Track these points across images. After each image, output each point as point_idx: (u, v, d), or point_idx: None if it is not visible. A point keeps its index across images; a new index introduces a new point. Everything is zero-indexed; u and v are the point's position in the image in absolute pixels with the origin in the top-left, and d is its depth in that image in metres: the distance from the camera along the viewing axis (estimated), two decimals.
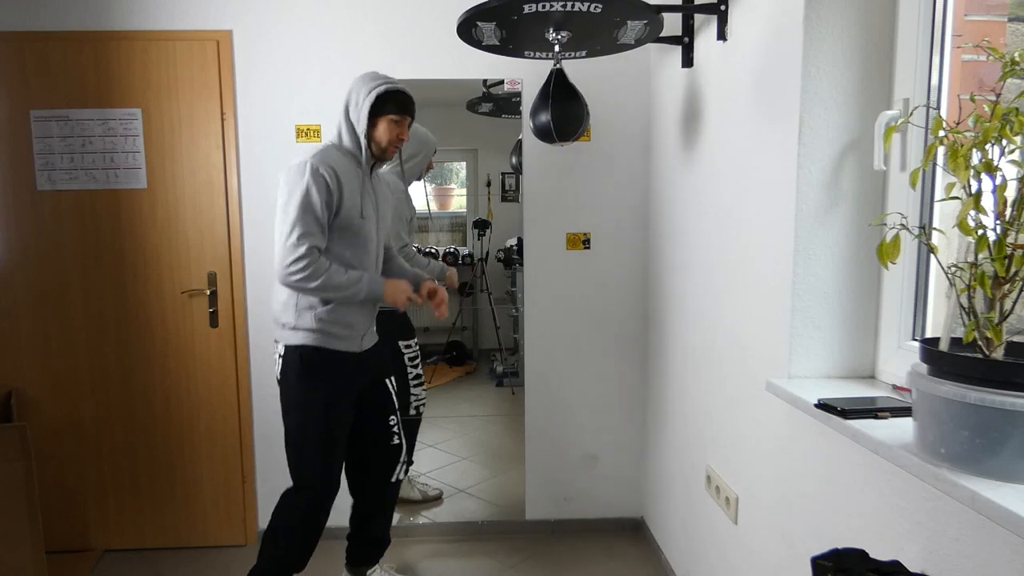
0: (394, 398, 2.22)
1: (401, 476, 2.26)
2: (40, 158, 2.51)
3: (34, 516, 2.23)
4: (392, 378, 2.23)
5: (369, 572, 2.36)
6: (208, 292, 2.61)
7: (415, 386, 2.71)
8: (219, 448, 2.67)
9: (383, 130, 1.98)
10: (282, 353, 2.00)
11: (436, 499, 2.90)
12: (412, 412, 2.70)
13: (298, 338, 1.97)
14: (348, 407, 2.08)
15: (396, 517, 2.82)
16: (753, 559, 1.76)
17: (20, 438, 2.24)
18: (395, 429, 2.20)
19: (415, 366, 2.72)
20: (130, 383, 2.62)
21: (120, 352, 2.61)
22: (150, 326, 2.60)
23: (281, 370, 2.02)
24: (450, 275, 2.59)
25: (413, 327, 2.75)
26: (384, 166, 2.20)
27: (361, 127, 1.95)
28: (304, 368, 1.97)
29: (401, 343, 2.68)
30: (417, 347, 2.74)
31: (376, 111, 1.95)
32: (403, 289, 2.03)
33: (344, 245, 1.96)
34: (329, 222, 1.92)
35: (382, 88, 1.94)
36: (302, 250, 1.84)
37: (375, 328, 2.15)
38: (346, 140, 2.00)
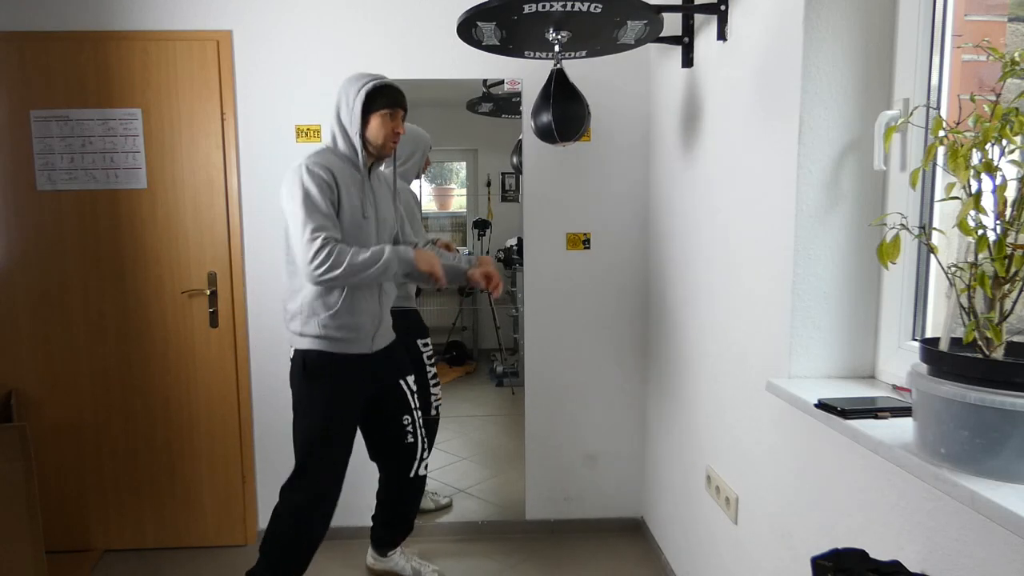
0: (409, 398, 2.23)
1: (422, 471, 2.28)
2: (40, 158, 2.51)
3: (34, 516, 2.23)
4: (409, 378, 2.24)
5: (390, 553, 2.42)
6: (208, 292, 2.61)
7: (434, 385, 2.71)
8: (219, 448, 2.67)
9: (377, 126, 1.98)
10: (291, 356, 2.06)
11: (447, 507, 2.95)
12: (432, 413, 2.70)
13: (304, 343, 2.01)
14: (354, 408, 2.10)
15: None
16: (753, 559, 1.76)
17: (20, 438, 2.23)
18: (409, 428, 2.22)
19: (432, 365, 2.71)
20: (130, 383, 2.62)
21: (120, 352, 2.60)
22: (150, 326, 2.60)
23: (290, 372, 2.07)
24: (483, 261, 2.29)
25: (426, 326, 2.75)
26: (384, 167, 2.20)
27: (354, 128, 1.96)
28: (307, 371, 2.00)
29: (419, 341, 2.66)
30: (431, 346, 2.74)
31: (367, 108, 1.95)
32: (435, 260, 1.99)
33: None
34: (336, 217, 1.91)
35: (371, 85, 1.94)
36: (318, 243, 1.83)
37: (390, 327, 2.16)
38: (340, 144, 2.00)
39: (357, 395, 2.10)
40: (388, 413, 2.20)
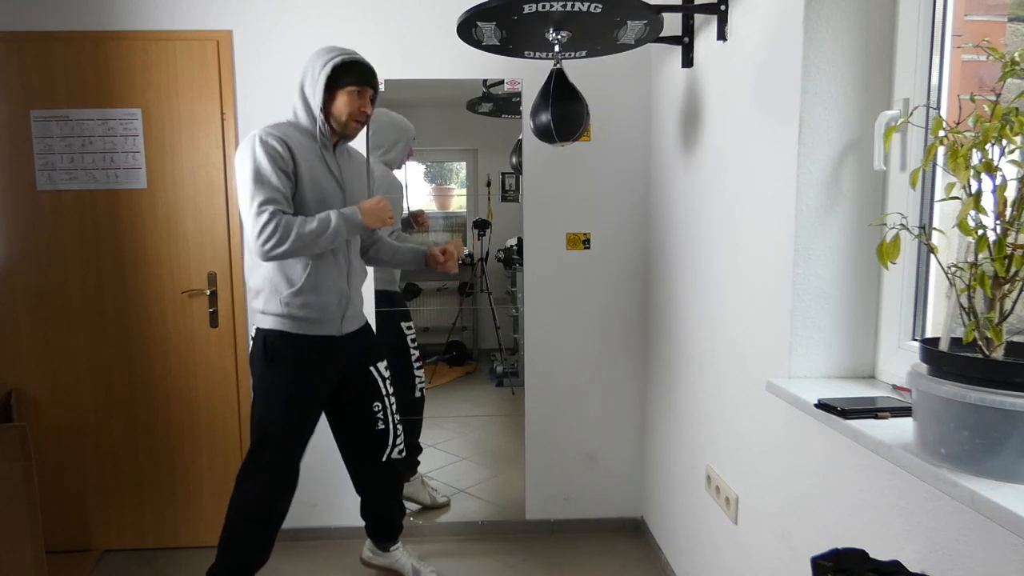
0: (381, 384, 2.17)
1: (395, 456, 2.23)
2: (40, 158, 2.51)
3: (34, 516, 2.23)
4: (380, 364, 2.18)
5: (392, 548, 2.37)
6: (208, 292, 2.61)
7: (418, 368, 2.71)
8: (219, 448, 2.67)
9: (343, 103, 1.91)
10: (252, 336, 2.00)
11: (443, 506, 2.93)
12: (417, 394, 2.69)
13: (267, 322, 1.94)
14: (317, 394, 2.03)
15: None
16: (753, 559, 1.76)
17: (20, 438, 2.24)
18: (380, 415, 2.17)
19: (416, 348, 2.71)
20: (130, 383, 2.62)
21: (120, 352, 2.60)
22: (150, 326, 2.60)
23: (250, 353, 2.01)
24: (454, 243, 2.20)
25: (408, 308, 2.76)
26: (360, 148, 2.16)
27: (316, 100, 1.89)
28: (267, 353, 1.94)
29: (403, 324, 2.67)
30: (414, 328, 2.75)
31: (333, 83, 1.89)
32: (382, 207, 1.93)
33: None
34: (292, 190, 1.86)
35: (339, 59, 1.88)
36: (264, 217, 1.78)
37: (361, 310, 2.11)
38: (300, 117, 1.94)
39: (321, 380, 2.03)
40: (358, 400, 2.13)
